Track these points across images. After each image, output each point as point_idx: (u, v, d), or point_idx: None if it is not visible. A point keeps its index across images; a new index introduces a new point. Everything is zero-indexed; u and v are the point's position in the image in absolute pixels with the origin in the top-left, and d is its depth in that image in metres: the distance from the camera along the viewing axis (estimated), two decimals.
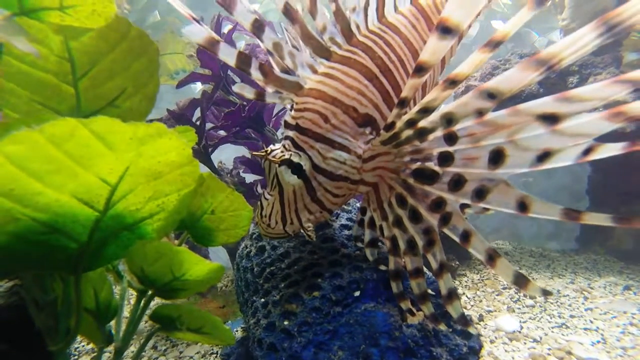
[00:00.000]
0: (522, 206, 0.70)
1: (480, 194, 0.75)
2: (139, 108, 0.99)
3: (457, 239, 0.79)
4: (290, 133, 0.91)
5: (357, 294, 0.93)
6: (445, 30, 0.60)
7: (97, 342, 0.89)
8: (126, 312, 1.53)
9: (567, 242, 3.86)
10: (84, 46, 0.93)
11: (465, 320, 0.83)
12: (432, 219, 0.82)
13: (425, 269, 0.99)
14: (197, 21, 0.92)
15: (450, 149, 0.76)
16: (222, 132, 2.06)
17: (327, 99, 0.89)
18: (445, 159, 0.78)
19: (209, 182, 0.92)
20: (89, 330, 0.89)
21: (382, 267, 0.98)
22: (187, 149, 0.77)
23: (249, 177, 2.23)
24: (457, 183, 0.77)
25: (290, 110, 0.93)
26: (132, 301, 0.93)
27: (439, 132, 0.77)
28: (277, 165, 0.86)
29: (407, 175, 0.85)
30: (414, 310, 0.93)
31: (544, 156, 0.66)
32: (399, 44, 0.97)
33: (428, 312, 0.88)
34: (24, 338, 0.94)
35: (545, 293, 0.73)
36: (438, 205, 0.81)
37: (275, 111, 2.12)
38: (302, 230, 0.90)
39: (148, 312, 0.92)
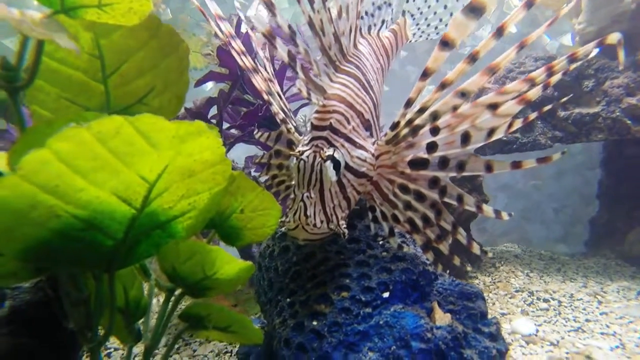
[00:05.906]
0: (489, 167, 0.92)
1: (461, 166, 0.95)
2: (168, 106, 0.99)
3: (454, 202, 0.97)
4: (324, 133, 0.96)
5: (385, 295, 0.92)
6: (445, 43, 0.78)
7: (125, 340, 0.88)
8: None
9: (575, 245, 3.85)
10: (113, 44, 0.93)
11: (485, 253, 1.05)
12: (433, 194, 0.98)
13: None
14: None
15: (435, 138, 0.94)
16: (233, 131, 2.06)
17: (346, 103, 1.01)
18: (432, 147, 0.95)
19: (239, 181, 0.92)
20: (118, 328, 0.89)
21: (405, 248, 1.05)
22: (222, 148, 0.77)
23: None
24: (443, 163, 0.96)
25: (316, 113, 1.01)
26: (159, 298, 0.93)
27: (427, 127, 0.93)
28: (322, 161, 0.90)
29: (404, 167, 0.99)
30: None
31: (491, 132, 0.91)
32: (368, 67, 1.17)
33: (459, 262, 1.09)
34: (52, 335, 0.94)
35: (510, 215, 0.96)
36: (434, 182, 0.99)
37: None
38: (338, 228, 0.92)
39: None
